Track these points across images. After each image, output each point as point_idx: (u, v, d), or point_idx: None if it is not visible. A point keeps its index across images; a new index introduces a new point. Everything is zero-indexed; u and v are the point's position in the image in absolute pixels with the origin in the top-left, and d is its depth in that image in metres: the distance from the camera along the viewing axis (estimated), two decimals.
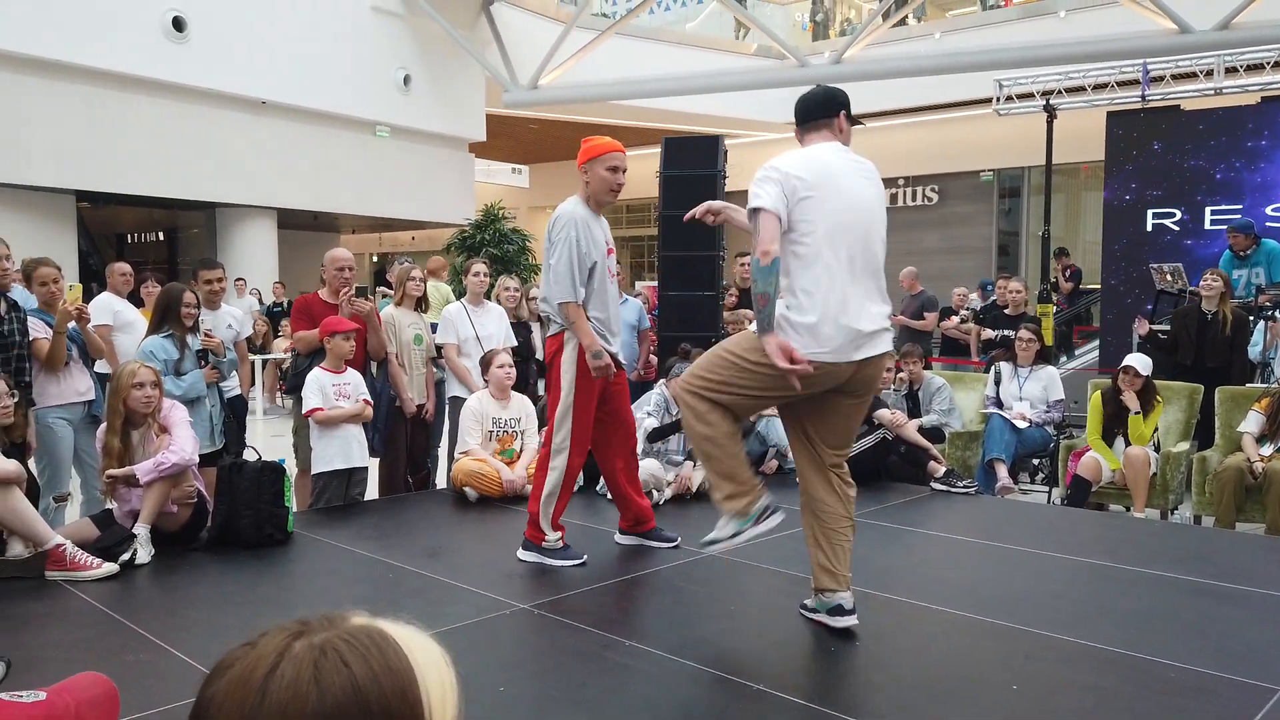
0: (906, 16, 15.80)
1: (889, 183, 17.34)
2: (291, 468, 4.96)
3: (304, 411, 4.71)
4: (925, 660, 2.92)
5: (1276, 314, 5.81)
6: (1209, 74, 8.37)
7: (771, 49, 14.30)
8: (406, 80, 13.83)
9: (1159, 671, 2.75)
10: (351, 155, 13.55)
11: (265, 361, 10.55)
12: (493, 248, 12.61)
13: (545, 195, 20.82)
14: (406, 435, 5.43)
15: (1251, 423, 5.27)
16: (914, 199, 17.17)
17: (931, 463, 5.44)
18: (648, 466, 4.97)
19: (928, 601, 3.44)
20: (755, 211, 2.91)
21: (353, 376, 4.79)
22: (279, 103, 12.44)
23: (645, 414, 5.22)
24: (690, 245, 6.51)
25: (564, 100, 14.61)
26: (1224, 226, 7.97)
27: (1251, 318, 5.97)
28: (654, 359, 6.70)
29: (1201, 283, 6.10)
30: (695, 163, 6.61)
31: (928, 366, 7.14)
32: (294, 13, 12.31)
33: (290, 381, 5.09)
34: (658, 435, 5.20)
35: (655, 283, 7.41)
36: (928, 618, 3.29)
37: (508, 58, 13.92)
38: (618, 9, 19.77)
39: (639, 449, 5.11)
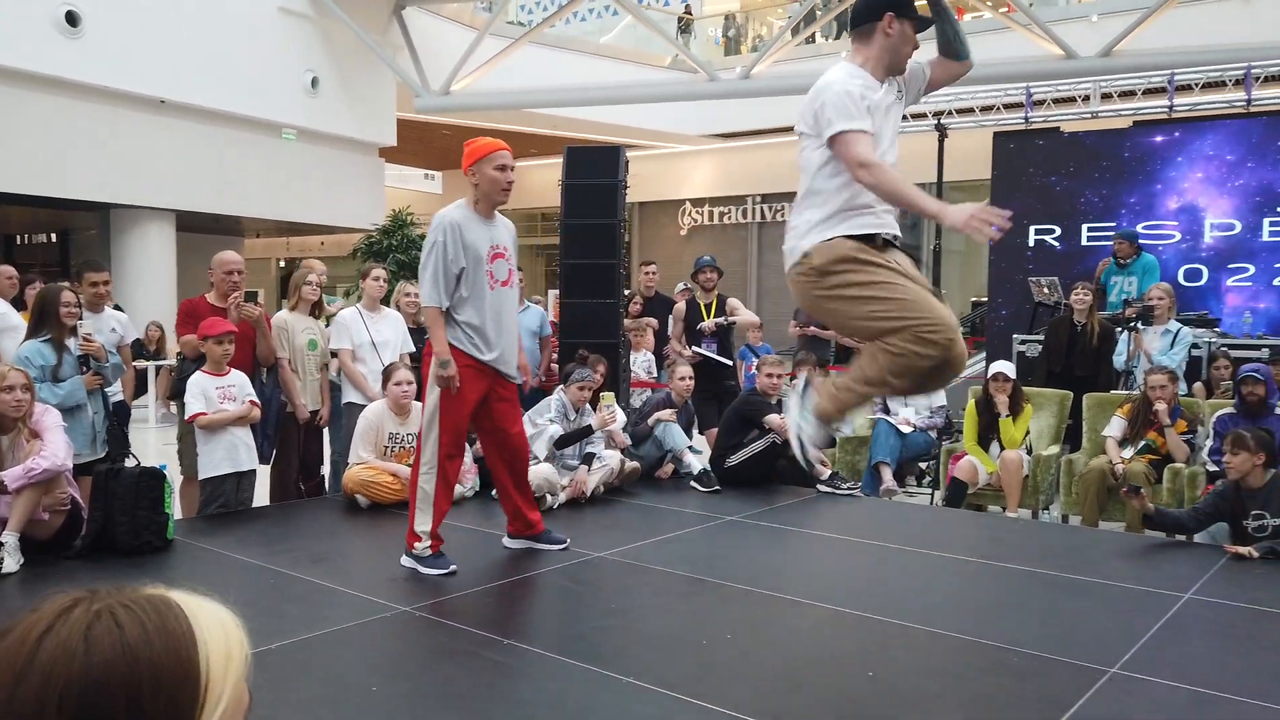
0: (815, 34, 16.26)
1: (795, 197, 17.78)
2: (177, 474, 4.89)
3: (186, 417, 4.63)
4: (790, 651, 3.06)
5: (1140, 326, 6.18)
6: (1086, 99, 8.86)
7: (684, 63, 14.56)
8: (315, 83, 13.62)
9: (1003, 656, 2.93)
10: (256, 157, 13.27)
11: (159, 368, 10.24)
12: (400, 254, 12.50)
13: None
14: (299, 441, 5.38)
15: (1114, 427, 5.61)
16: None
17: (818, 466, 5.63)
18: (541, 471, 5.03)
19: (800, 597, 3.58)
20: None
21: (237, 378, 4.72)
22: (179, 102, 12.12)
23: (548, 420, 5.28)
24: (592, 254, 6.60)
25: (476, 107, 14.60)
26: (1100, 243, 8.45)
27: (1118, 329, 6.34)
28: (554, 366, 6.76)
29: (1072, 296, 6.46)
30: (596, 172, 6.69)
31: (825, 374, 7.36)
32: (196, 10, 12.02)
33: (174, 386, 5.00)
34: (565, 442, 5.26)
35: None
36: (798, 612, 3.43)
37: (419, 63, 13.85)
38: (533, 17, 19.83)
39: (541, 453, 5.17)
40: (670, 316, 7.23)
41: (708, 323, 6.68)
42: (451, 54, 13.95)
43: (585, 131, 16.50)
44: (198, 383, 4.60)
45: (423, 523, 3.78)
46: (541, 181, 20.60)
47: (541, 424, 5.26)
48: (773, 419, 5.64)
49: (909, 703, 2.64)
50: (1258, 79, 8.37)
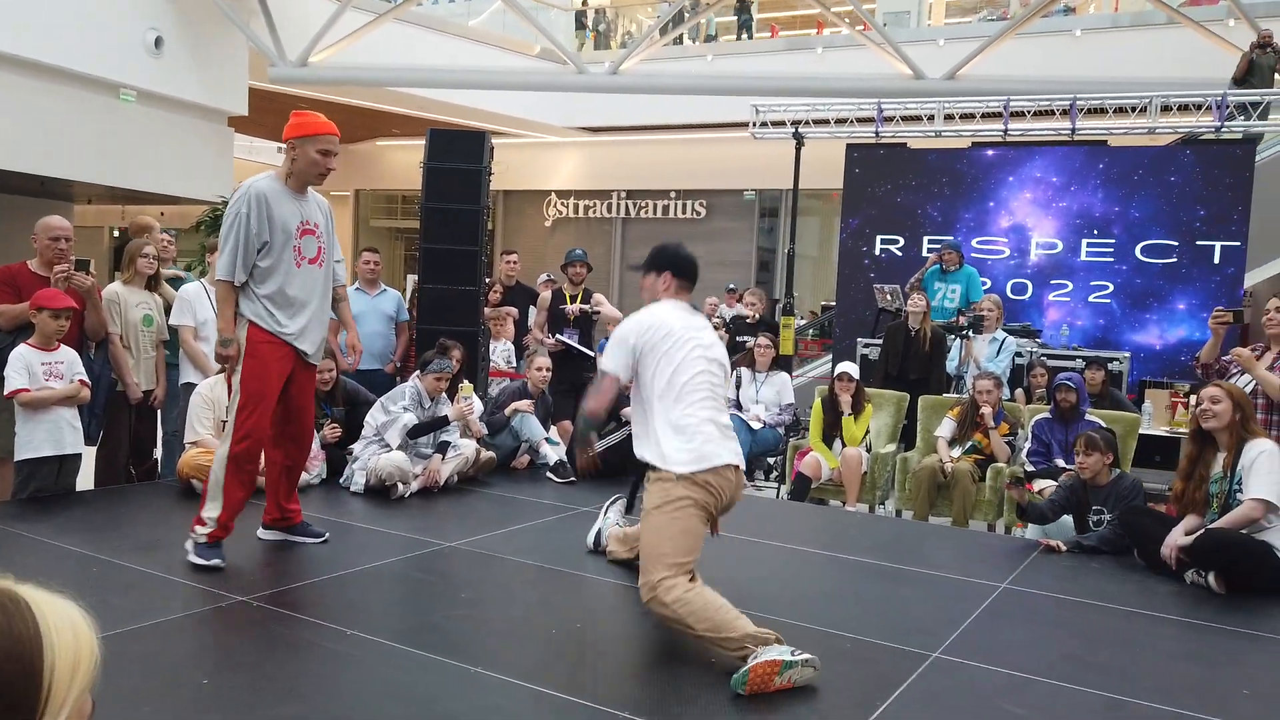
0: (683, 36, 16.52)
1: (661, 194, 18.05)
2: None
3: (5, 392, 4.28)
4: (638, 641, 3.12)
5: (970, 333, 6.62)
6: (931, 118, 9.37)
7: (552, 53, 14.49)
8: (158, 42, 12.77)
9: (836, 642, 3.09)
10: (89, 118, 12.32)
11: None
12: None
13: None
14: (130, 423, 5.06)
15: (945, 428, 5.98)
16: (684, 211, 17.93)
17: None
18: (394, 459, 4.94)
19: None
20: None
21: (66, 355, 4.40)
22: (3, 53, 11.13)
23: (401, 408, 5.16)
24: (454, 240, 6.50)
25: (334, 81, 14.08)
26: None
27: (950, 336, 6.76)
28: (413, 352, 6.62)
29: (909, 303, 6.85)
30: (460, 157, 6.59)
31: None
32: None
33: None
34: (419, 431, 5.15)
35: None
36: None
37: (276, 31, 13.22)
38: None
39: (394, 441, 5.05)
40: (534, 305, 7.20)
41: (573, 306, 6.69)
42: (311, 23, 13.39)
43: (449, 115, 16.19)
44: (22, 356, 4.26)
45: (211, 509, 3.57)
46: (402, 163, 20.09)
47: (395, 411, 5.15)
48: (629, 411, 5.71)
49: None
50: (1082, 110, 9.07)
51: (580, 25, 18.47)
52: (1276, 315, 4.19)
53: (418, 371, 5.41)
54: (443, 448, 5.20)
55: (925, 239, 9.12)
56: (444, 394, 5.35)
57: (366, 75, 14.17)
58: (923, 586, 3.83)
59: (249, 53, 13.75)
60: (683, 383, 3.07)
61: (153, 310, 5.13)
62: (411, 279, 11.79)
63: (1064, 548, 4.41)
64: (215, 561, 3.52)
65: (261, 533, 3.99)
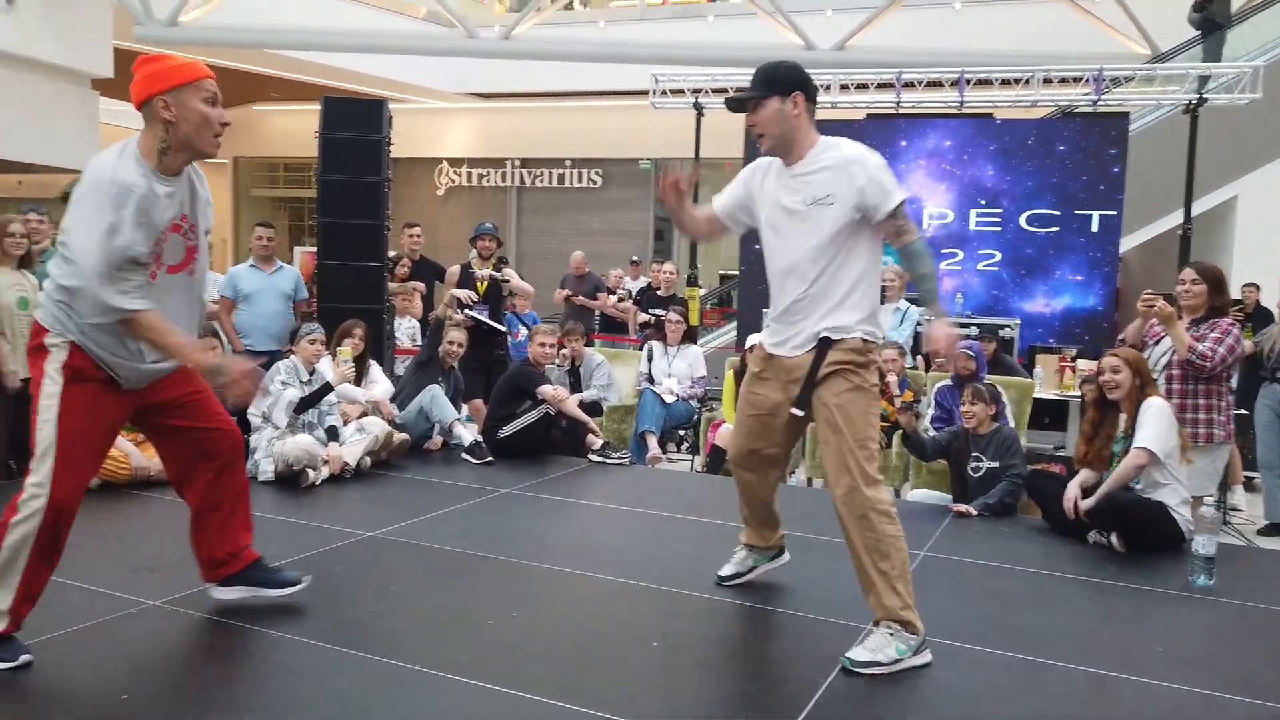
0: (573, 1, 16.26)
1: (556, 163, 17.82)
2: None
3: None
4: (576, 626, 3.08)
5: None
6: (827, 88, 9.49)
7: (440, 16, 14.04)
8: None
9: (777, 619, 3.14)
10: None
11: None
12: None
13: None
14: (8, 413, 4.70)
15: None
16: (579, 180, 17.75)
17: (590, 435, 5.71)
18: (300, 443, 4.72)
19: (583, 569, 3.62)
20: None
21: None
22: None
23: (280, 385, 4.90)
24: (354, 214, 6.24)
25: (207, 41, 13.30)
26: None
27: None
28: None
29: None
30: (358, 126, 6.33)
31: (590, 343, 7.46)
32: None
33: None
34: (305, 405, 4.91)
35: (315, 249, 7.01)
36: (583, 584, 3.47)
37: None
38: None
39: (281, 421, 4.81)
40: (440, 281, 7.01)
41: (483, 270, 6.51)
42: None
43: (332, 79, 15.52)
44: None
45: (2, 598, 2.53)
46: (282, 128, 19.20)
47: (275, 390, 4.89)
48: (545, 389, 5.64)
49: (697, 669, 2.75)
50: (969, 82, 9.35)
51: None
52: (1192, 287, 4.44)
53: (289, 344, 5.16)
54: (331, 433, 4.99)
55: None
56: (325, 361, 5.09)
57: (244, 37, 13.43)
58: (844, 557, 3.91)
59: (114, 11, 12.85)
60: None
61: (28, 292, 4.76)
62: (299, 251, 11.32)
63: (974, 511, 4.59)
64: (23, 660, 2.54)
65: (220, 592, 3.05)
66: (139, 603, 3.05)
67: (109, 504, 4.27)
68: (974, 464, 4.80)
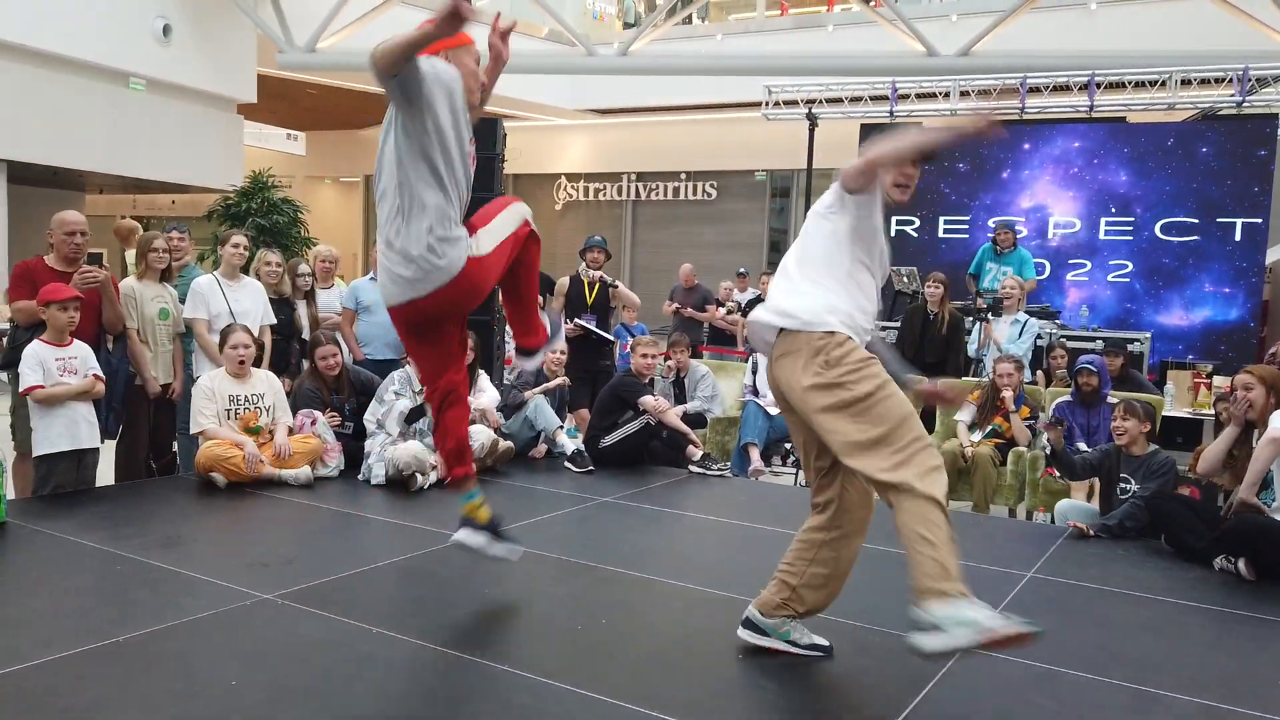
0: (692, 16, 16.36)
1: (671, 176, 17.94)
2: (9, 451, 4.53)
3: (20, 389, 4.28)
4: (664, 635, 3.09)
5: (989, 316, 6.54)
6: (947, 95, 9.26)
7: (561, 35, 14.36)
8: (166, 30, 12.72)
9: (865, 636, 3.08)
10: (100, 108, 12.31)
11: None
12: (260, 218, 11.88)
13: (323, 165, 19.83)
14: (149, 417, 5.07)
15: (965, 413, 5.93)
16: (694, 194, 17.80)
17: (690, 447, 5.72)
18: (410, 449, 4.91)
19: (674, 579, 3.63)
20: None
21: (79, 349, 4.40)
22: (13, 43, 11.10)
23: (394, 394, 5.12)
24: None
25: (343, 66, 13.99)
26: (955, 235, 8.87)
27: (969, 319, 6.69)
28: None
29: (926, 288, 6.77)
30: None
31: (697, 355, 7.48)
32: None
33: (6, 356, 4.61)
34: (415, 415, 5.11)
35: None
36: (672, 594, 3.48)
37: (283, 16, 13.14)
38: None
39: (393, 430, 5.01)
40: (552, 292, 7.16)
41: (593, 273, 6.63)
42: (318, 8, 13.28)
43: None
44: (35, 353, 4.26)
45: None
46: None
47: (389, 399, 5.11)
48: (646, 400, 5.69)
49: (780, 683, 2.72)
50: (1099, 86, 8.95)
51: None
52: None
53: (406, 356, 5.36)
54: None
55: (941, 220, 9.03)
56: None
57: None
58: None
59: (257, 39, 13.70)
60: None
61: (168, 303, 5.13)
62: None
63: (1091, 531, 4.37)
64: None
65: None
66: (253, 595, 3.24)
67: (233, 502, 4.54)
68: (1121, 484, 4.56)
